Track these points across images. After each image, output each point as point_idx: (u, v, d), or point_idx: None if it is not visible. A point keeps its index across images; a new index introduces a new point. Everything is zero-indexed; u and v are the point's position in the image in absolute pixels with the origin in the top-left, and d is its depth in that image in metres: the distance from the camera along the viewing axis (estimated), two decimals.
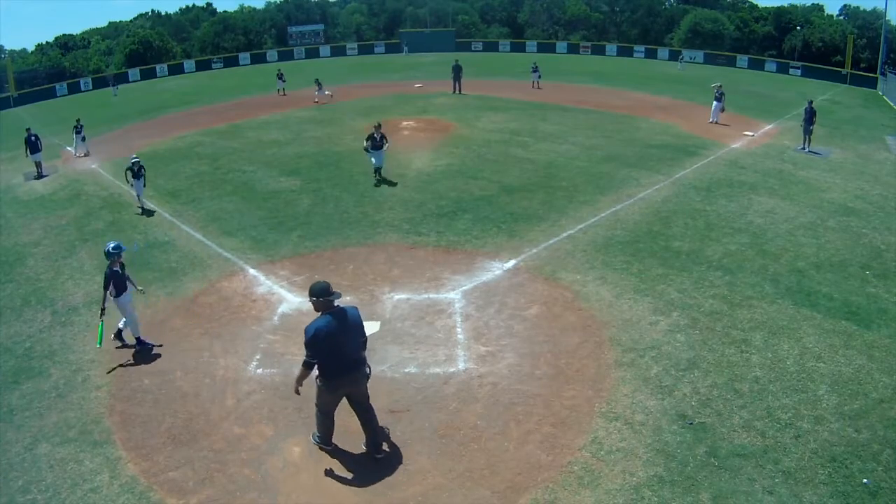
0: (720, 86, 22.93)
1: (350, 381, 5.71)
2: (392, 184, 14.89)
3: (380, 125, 15.25)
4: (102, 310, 7.84)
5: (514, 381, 7.16)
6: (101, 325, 7.92)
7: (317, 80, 29.02)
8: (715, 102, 21.99)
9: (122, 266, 7.96)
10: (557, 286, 9.51)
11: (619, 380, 7.17)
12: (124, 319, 8.11)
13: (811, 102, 18.53)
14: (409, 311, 8.82)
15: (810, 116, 18.12)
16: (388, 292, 9.42)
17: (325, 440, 6.17)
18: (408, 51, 52.94)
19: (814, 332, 8.16)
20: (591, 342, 7.96)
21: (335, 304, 5.56)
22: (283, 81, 31.50)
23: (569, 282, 9.63)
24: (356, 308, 5.78)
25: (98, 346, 7.92)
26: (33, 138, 17.97)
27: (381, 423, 6.41)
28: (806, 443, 6.11)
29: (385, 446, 6.15)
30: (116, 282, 7.80)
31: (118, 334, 8.21)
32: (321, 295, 5.48)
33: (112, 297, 7.82)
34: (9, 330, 9.03)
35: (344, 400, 5.91)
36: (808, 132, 18.23)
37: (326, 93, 27.93)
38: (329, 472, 5.89)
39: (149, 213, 13.75)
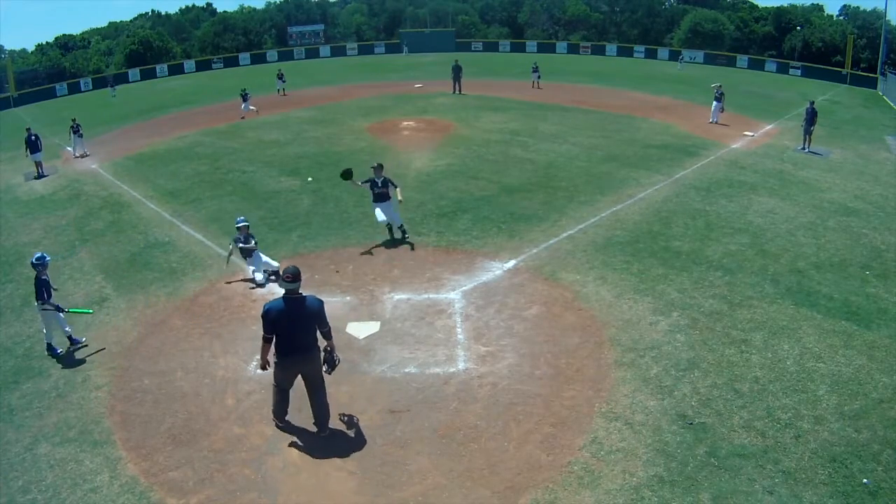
0: (720, 86, 22.93)
1: (302, 362, 6.06)
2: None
3: (381, 166, 11.20)
4: (60, 308, 8.23)
5: (514, 381, 7.16)
6: (74, 310, 8.55)
7: (243, 91, 25.62)
8: (715, 102, 22.00)
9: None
10: (557, 286, 9.51)
11: (619, 380, 7.17)
12: (45, 331, 8.30)
13: (813, 103, 18.54)
14: (409, 311, 8.82)
15: (811, 117, 18.12)
16: (388, 292, 9.42)
17: (277, 415, 6.47)
18: (408, 51, 52.95)
19: (814, 332, 8.16)
20: (591, 342, 7.96)
21: (299, 292, 5.90)
22: (284, 81, 31.48)
23: (569, 282, 9.63)
24: (318, 299, 6.05)
25: (91, 312, 8.95)
26: (33, 138, 17.95)
27: (380, 423, 6.49)
28: (806, 443, 6.11)
29: (331, 424, 6.42)
30: (48, 289, 8.12)
31: (49, 348, 8.26)
32: (279, 278, 6.06)
33: (39, 304, 8.10)
34: (9, 330, 9.03)
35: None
36: (808, 132, 18.23)
37: (252, 108, 25.15)
38: (329, 473, 5.89)
39: (260, 284, 9.82)
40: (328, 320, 6.08)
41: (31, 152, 17.93)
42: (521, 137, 19.56)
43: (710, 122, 21.83)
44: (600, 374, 7.28)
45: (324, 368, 6.15)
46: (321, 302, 6.04)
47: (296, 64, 48.82)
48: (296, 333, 5.92)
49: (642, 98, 27.91)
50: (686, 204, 13.23)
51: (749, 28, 58.83)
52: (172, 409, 6.89)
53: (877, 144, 19.73)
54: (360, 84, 34.41)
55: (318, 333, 6.05)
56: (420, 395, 6.96)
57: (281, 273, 5.96)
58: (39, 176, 17.91)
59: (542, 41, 57.20)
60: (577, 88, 30.80)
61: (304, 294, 5.95)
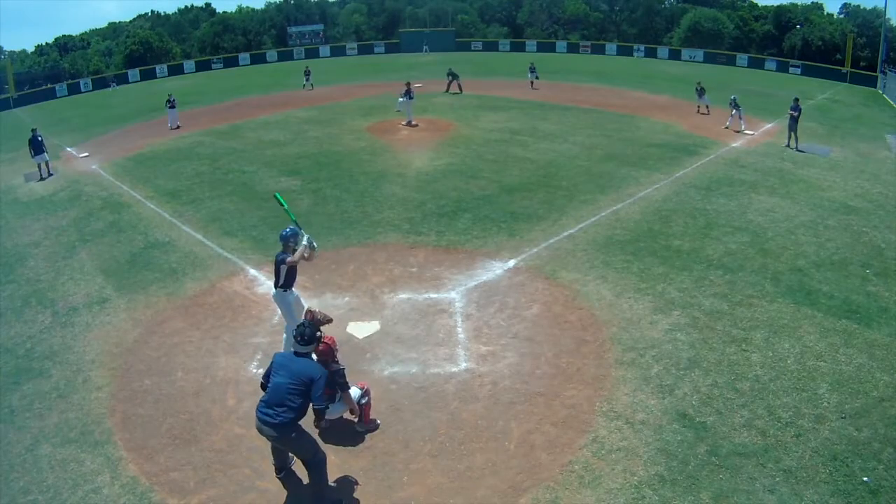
0: (699, 83, 23.39)
1: (266, 427, 5.14)
2: (392, 184, 14.89)
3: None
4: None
5: (515, 381, 7.16)
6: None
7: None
8: (698, 98, 22.55)
9: None
10: (558, 285, 9.50)
11: (619, 379, 7.17)
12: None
13: (797, 100, 18.61)
14: (410, 311, 8.82)
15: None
16: (389, 292, 9.41)
17: (274, 465, 5.89)
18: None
19: (814, 330, 8.16)
20: (591, 341, 7.96)
21: (307, 355, 5.35)
22: (310, 80, 32.77)
23: (569, 281, 9.63)
24: (321, 368, 5.35)
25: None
26: (39, 139, 17.75)
27: (381, 423, 6.49)
28: (807, 441, 6.11)
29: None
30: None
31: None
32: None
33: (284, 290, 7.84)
34: (9, 330, 9.03)
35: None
36: (793, 129, 18.25)
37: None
38: (329, 473, 5.89)
39: None
40: (323, 397, 5.18)
41: (35, 154, 17.75)
42: (521, 137, 19.56)
43: (700, 114, 22.22)
44: (601, 374, 7.28)
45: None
46: (322, 372, 5.21)
47: (296, 64, 48.78)
48: (274, 387, 5.12)
49: (642, 97, 27.89)
50: (686, 203, 13.23)
51: (749, 27, 58.78)
52: (173, 409, 6.89)
53: (877, 143, 19.72)
54: (360, 84, 34.39)
55: (312, 409, 5.26)
56: (420, 395, 6.96)
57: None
58: (45, 177, 17.73)
59: (541, 40, 57.18)
60: (577, 88, 30.78)
61: (308, 357, 5.33)
